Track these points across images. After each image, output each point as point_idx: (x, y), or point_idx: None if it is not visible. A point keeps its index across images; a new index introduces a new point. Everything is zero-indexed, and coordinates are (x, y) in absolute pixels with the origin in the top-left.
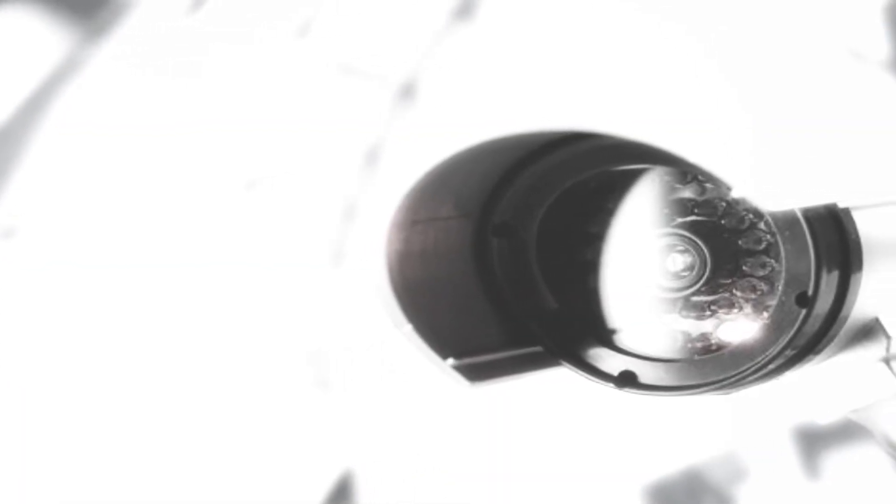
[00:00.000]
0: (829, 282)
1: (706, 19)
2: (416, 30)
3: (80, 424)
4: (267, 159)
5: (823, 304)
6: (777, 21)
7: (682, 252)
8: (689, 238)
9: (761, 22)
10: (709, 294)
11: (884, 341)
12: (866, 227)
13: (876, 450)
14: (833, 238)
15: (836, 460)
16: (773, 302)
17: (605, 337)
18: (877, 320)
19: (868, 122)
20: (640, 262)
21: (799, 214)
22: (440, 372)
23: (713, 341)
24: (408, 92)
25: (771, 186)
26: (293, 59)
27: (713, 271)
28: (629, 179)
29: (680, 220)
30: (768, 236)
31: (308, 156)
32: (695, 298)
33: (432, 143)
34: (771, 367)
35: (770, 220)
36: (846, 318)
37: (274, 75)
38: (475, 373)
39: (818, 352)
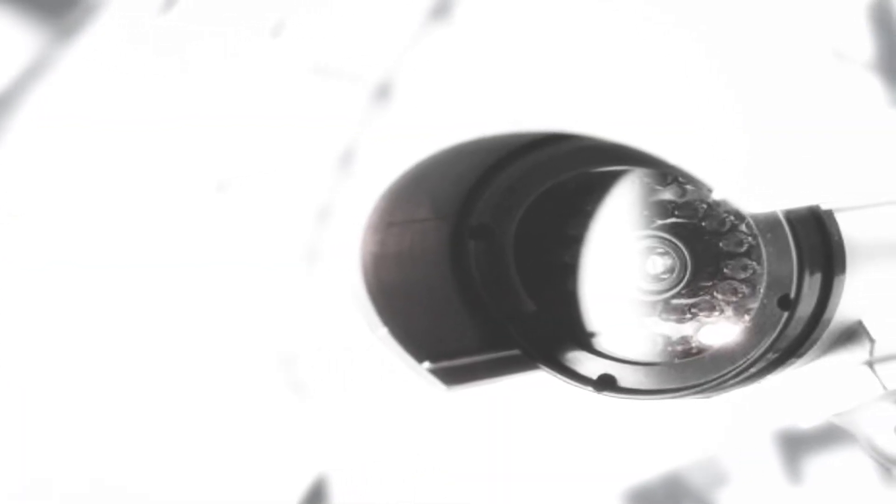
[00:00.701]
0: (812, 284)
1: (686, 20)
2: (392, 30)
3: (47, 427)
4: (239, 160)
5: (806, 307)
6: (760, 21)
7: (662, 254)
8: (670, 240)
9: (743, 22)
10: (689, 297)
11: (867, 344)
12: (849, 229)
13: (859, 454)
14: (815, 240)
15: (819, 465)
16: (754, 305)
17: (583, 340)
18: (860, 323)
19: (851, 124)
20: (619, 265)
21: (781, 216)
22: (416, 375)
23: (693, 344)
24: (384, 92)
25: (752, 188)
26: (267, 58)
27: (693, 274)
28: (608, 181)
29: (660, 222)
30: (750, 238)
31: (282, 156)
32: (675, 301)
33: (408, 144)
34: (752, 370)
35: (751, 222)
36: (829, 321)
37: (247, 75)
38: (451, 376)
39: (800, 355)
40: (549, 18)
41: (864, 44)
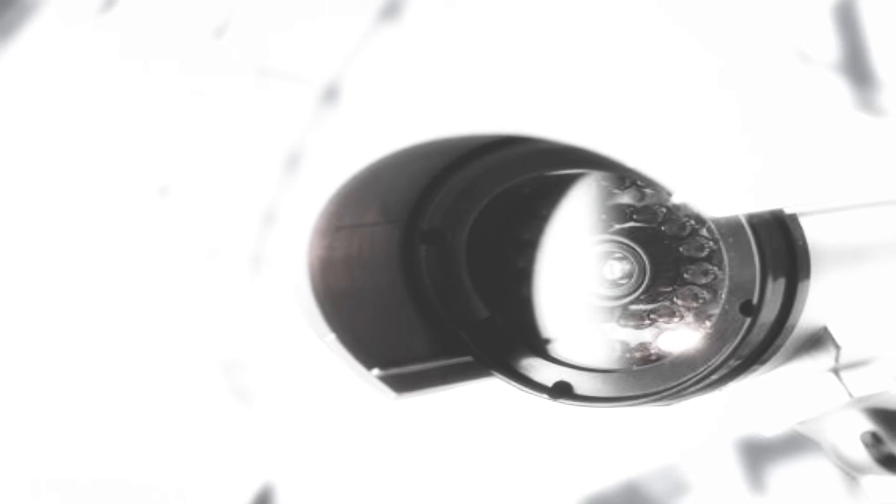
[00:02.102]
0: (775, 290)
1: (645, 20)
2: (340, 31)
3: None
4: (182, 163)
5: (769, 313)
6: (721, 21)
7: (619, 259)
8: (628, 245)
9: (704, 22)
10: (648, 302)
11: (832, 351)
12: (814, 233)
13: (824, 462)
14: (779, 245)
15: (782, 474)
16: (715, 311)
17: (538, 346)
18: (825, 329)
19: (816, 126)
20: (575, 270)
21: (743, 220)
22: (365, 383)
23: (653, 351)
24: (332, 94)
25: (713, 191)
26: (209, 60)
27: (653, 279)
28: (564, 184)
29: (618, 226)
30: (711, 243)
31: (227, 159)
32: (633, 307)
33: (357, 146)
34: (714, 377)
35: (713, 226)
36: (793, 328)
37: (189, 77)
38: (401, 383)
39: (763, 362)
40: (500, 20)
41: (828, 45)
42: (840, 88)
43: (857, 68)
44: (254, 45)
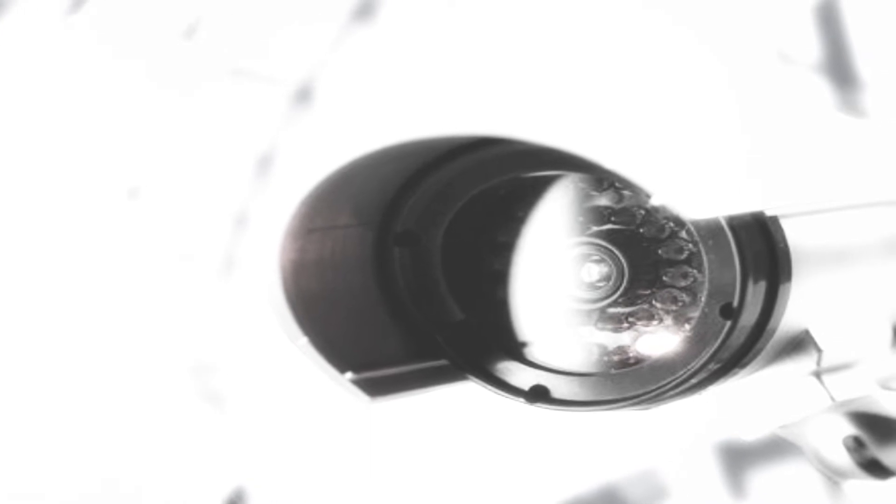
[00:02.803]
0: (756, 292)
1: (621, 20)
2: (313, 30)
3: None
4: (152, 164)
5: (749, 316)
6: (702, 21)
7: (597, 262)
8: (606, 247)
9: (684, 23)
10: (626, 305)
11: (814, 354)
12: (795, 235)
13: (806, 467)
14: (760, 247)
15: (763, 478)
16: (695, 314)
17: (515, 350)
18: (807, 332)
19: (797, 126)
20: (553, 273)
21: (723, 222)
22: (338, 387)
23: (631, 354)
24: (304, 95)
25: (693, 193)
26: (180, 60)
27: (631, 282)
28: (541, 186)
29: (595, 228)
30: (690, 245)
31: (197, 161)
32: (611, 310)
33: (330, 148)
34: (693, 381)
35: (692, 228)
36: (774, 331)
37: (159, 78)
38: (375, 387)
39: (744, 365)
40: (475, 19)
41: (809, 45)
42: (822, 89)
43: (839, 69)
44: (225, 45)
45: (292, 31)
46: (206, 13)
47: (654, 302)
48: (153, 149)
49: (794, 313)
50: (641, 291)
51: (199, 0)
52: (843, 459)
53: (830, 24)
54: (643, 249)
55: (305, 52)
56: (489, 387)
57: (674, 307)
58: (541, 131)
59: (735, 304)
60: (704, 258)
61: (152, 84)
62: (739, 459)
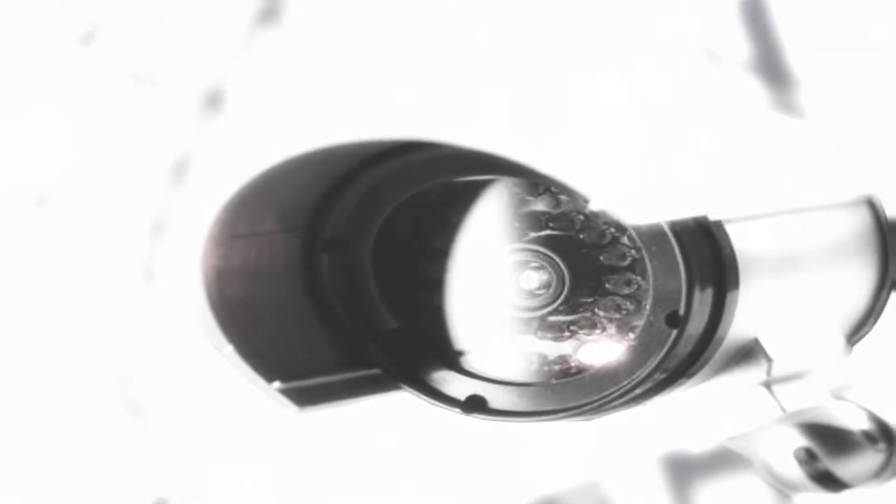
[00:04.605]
0: (703, 300)
1: (550, 16)
2: (215, 34)
3: None
4: (60, 172)
5: (696, 325)
6: (630, 20)
7: (536, 269)
8: (545, 254)
9: (614, 21)
10: (568, 314)
11: (764, 364)
12: (741, 241)
13: (755, 480)
14: (705, 253)
15: (711, 491)
16: (640, 322)
17: (451, 359)
18: (756, 341)
19: (734, 127)
20: (490, 280)
21: (666, 228)
22: (266, 396)
23: (573, 364)
24: (214, 100)
25: (632, 198)
26: (79, 68)
27: (572, 289)
28: (474, 191)
29: (533, 234)
30: (633, 251)
31: (106, 168)
32: (552, 318)
33: (247, 153)
34: (638, 391)
35: (634, 234)
36: (722, 340)
37: (58, 85)
38: (304, 397)
39: (691, 375)
40: (393, 17)
41: (738, 43)
42: (755, 88)
43: (769, 66)
44: (125, 52)
45: (195, 35)
46: (102, 20)
47: (596, 310)
48: (61, 156)
49: (742, 321)
50: (583, 299)
51: (95, 7)
52: (795, 472)
53: (757, 22)
54: (584, 256)
55: (211, 56)
56: (424, 397)
57: (617, 315)
58: (470, 135)
59: (681, 312)
60: (648, 265)
61: (54, 91)
62: (686, 472)
